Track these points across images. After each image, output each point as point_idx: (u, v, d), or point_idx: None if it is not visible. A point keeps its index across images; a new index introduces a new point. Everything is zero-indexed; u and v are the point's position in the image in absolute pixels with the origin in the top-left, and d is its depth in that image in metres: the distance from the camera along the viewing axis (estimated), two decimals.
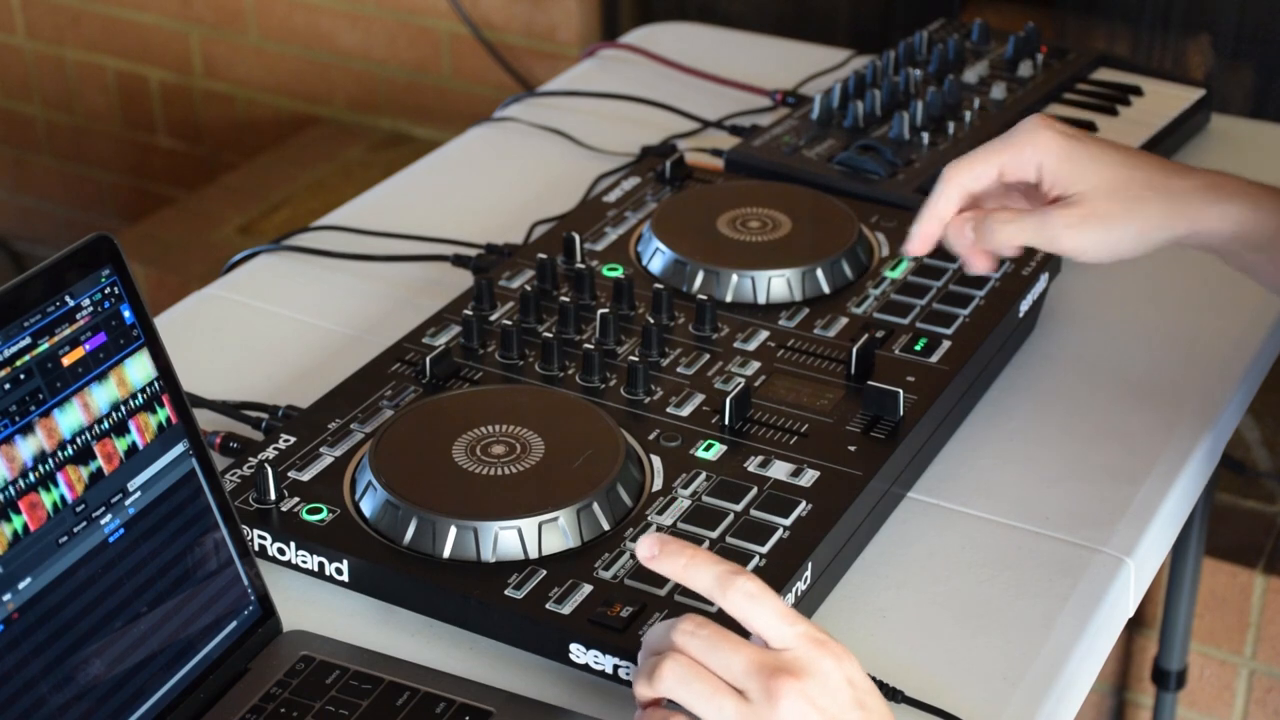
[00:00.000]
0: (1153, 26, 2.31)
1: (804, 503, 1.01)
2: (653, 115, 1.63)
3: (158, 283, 2.58)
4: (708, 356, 1.15)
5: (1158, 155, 1.06)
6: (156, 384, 0.90)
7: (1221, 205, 1.03)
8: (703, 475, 1.04)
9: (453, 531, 0.97)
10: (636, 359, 1.13)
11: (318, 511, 1.01)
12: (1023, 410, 1.20)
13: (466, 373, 1.14)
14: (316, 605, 1.00)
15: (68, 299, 0.85)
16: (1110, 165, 1.03)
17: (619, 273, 1.25)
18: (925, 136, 1.45)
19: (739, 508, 1.01)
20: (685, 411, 1.10)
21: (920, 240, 1.08)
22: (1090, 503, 1.11)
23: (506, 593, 0.95)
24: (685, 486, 1.03)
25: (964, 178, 1.06)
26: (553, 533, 0.98)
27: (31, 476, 0.82)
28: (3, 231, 3.43)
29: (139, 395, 0.89)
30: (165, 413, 0.90)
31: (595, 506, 0.99)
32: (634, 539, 0.98)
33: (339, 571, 0.99)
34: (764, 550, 0.97)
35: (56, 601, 0.82)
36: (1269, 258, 1.05)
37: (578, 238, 1.26)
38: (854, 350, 1.13)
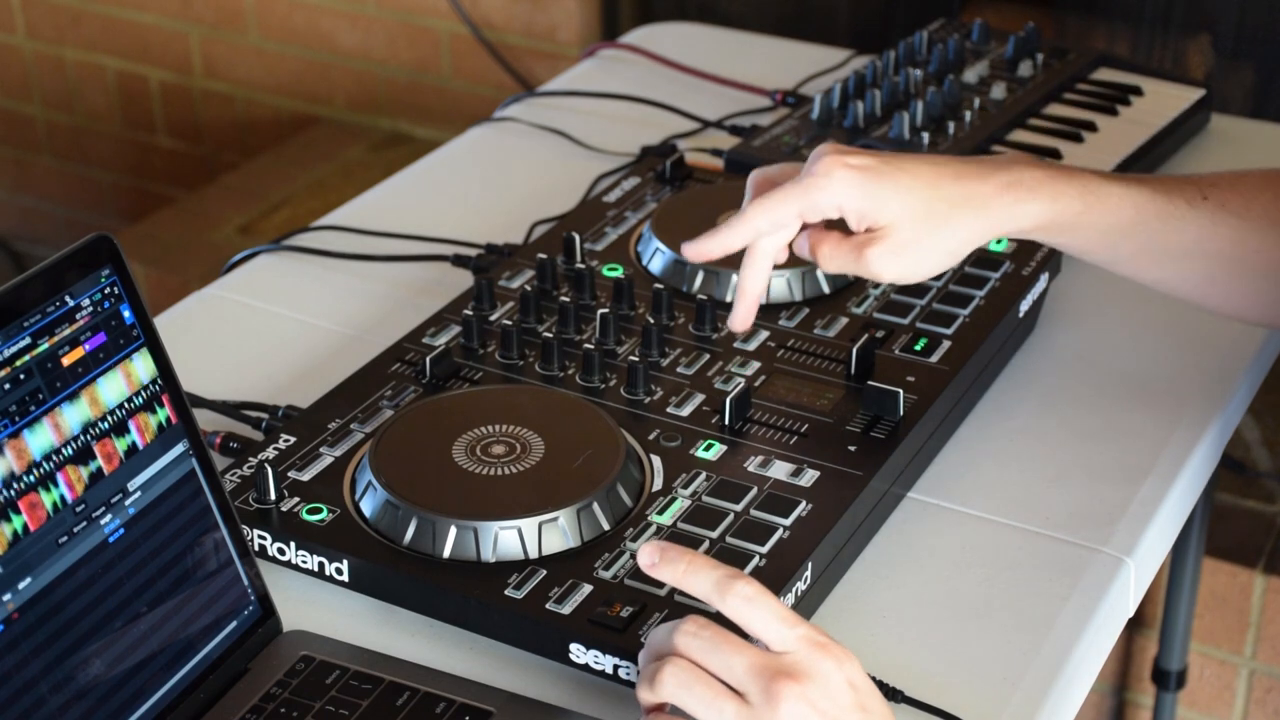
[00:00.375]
0: (1153, 26, 2.31)
1: (804, 503, 1.01)
2: (653, 115, 1.63)
3: (158, 283, 2.58)
4: (708, 356, 1.16)
5: (954, 159, 1.07)
6: (156, 384, 0.90)
7: (1023, 205, 1.05)
8: (703, 475, 1.04)
9: (453, 531, 0.97)
10: (636, 359, 1.13)
11: (318, 511, 1.01)
12: (1023, 410, 1.20)
13: (466, 373, 1.14)
14: (316, 605, 1.00)
15: (68, 299, 0.85)
16: (910, 190, 1.04)
17: (619, 273, 1.25)
18: (925, 136, 1.45)
19: (739, 508, 1.01)
20: (685, 411, 1.10)
21: (698, 252, 1.07)
22: (1090, 503, 1.11)
23: (506, 593, 0.95)
24: (685, 486, 1.03)
25: (761, 222, 1.05)
26: (553, 533, 0.98)
27: (31, 476, 0.82)
28: (3, 231, 3.43)
29: (139, 395, 0.89)
30: (165, 413, 0.90)
31: (595, 506, 0.99)
32: (634, 539, 0.99)
33: (339, 571, 0.99)
34: (764, 550, 0.97)
35: (56, 601, 0.82)
36: (1071, 238, 1.08)
37: (578, 238, 1.26)
38: (854, 350, 1.13)
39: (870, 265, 1.04)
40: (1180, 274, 1.10)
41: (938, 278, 1.23)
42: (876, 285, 1.23)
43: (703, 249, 1.07)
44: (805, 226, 1.07)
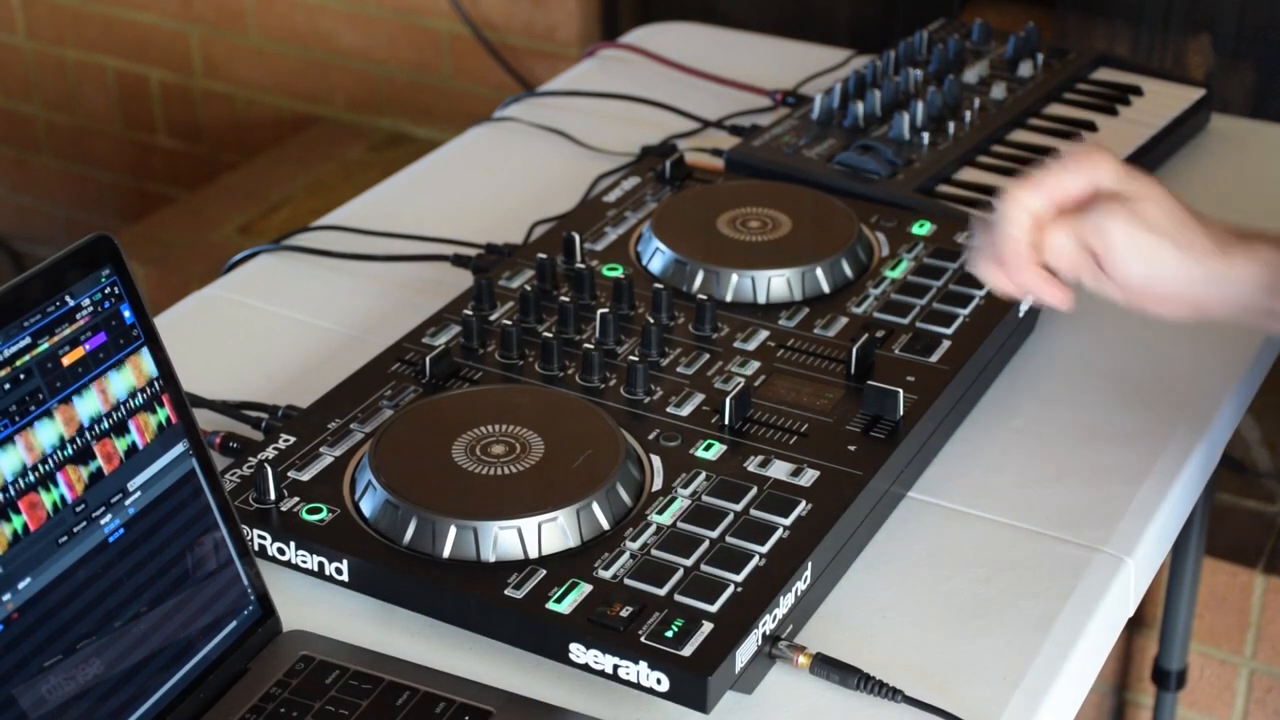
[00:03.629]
0: (1153, 26, 2.31)
1: (804, 503, 1.01)
2: (653, 115, 1.63)
3: (158, 283, 2.58)
4: (708, 356, 1.15)
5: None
6: (156, 384, 0.90)
7: (1253, 252, 1.01)
8: (703, 475, 1.04)
9: (453, 531, 0.97)
10: (636, 359, 1.13)
11: (318, 511, 1.01)
12: (1022, 410, 1.20)
13: (466, 373, 1.14)
14: (316, 605, 1.00)
15: (68, 299, 0.85)
16: (1160, 188, 1.03)
17: (619, 273, 1.25)
18: (925, 136, 1.45)
19: (739, 507, 1.01)
20: (685, 411, 1.10)
21: (1000, 282, 1.05)
22: (1090, 503, 1.11)
23: (506, 592, 0.95)
24: (685, 486, 1.03)
25: (1026, 193, 1.04)
26: (553, 532, 0.98)
27: (31, 476, 0.82)
28: (3, 231, 3.43)
29: (139, 395, 0.89)
30: (165, 413, 0.90)
31: (595, 506, 0.99)
32: (634, 539, 0.98)
33: (339, 571, 0.99)
34: (764, 550, 0.97)
35: (56, 601, 0.82)
36: None
37: (578, 238, 1.26)
38: (854, 350, 1.13)
39: (1103, 223, 1.01)
40: None
41: (937, 275, 1.23)
42: (877, 285, 1.23)
43: (996, 272, 1.05)
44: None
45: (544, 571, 0.96)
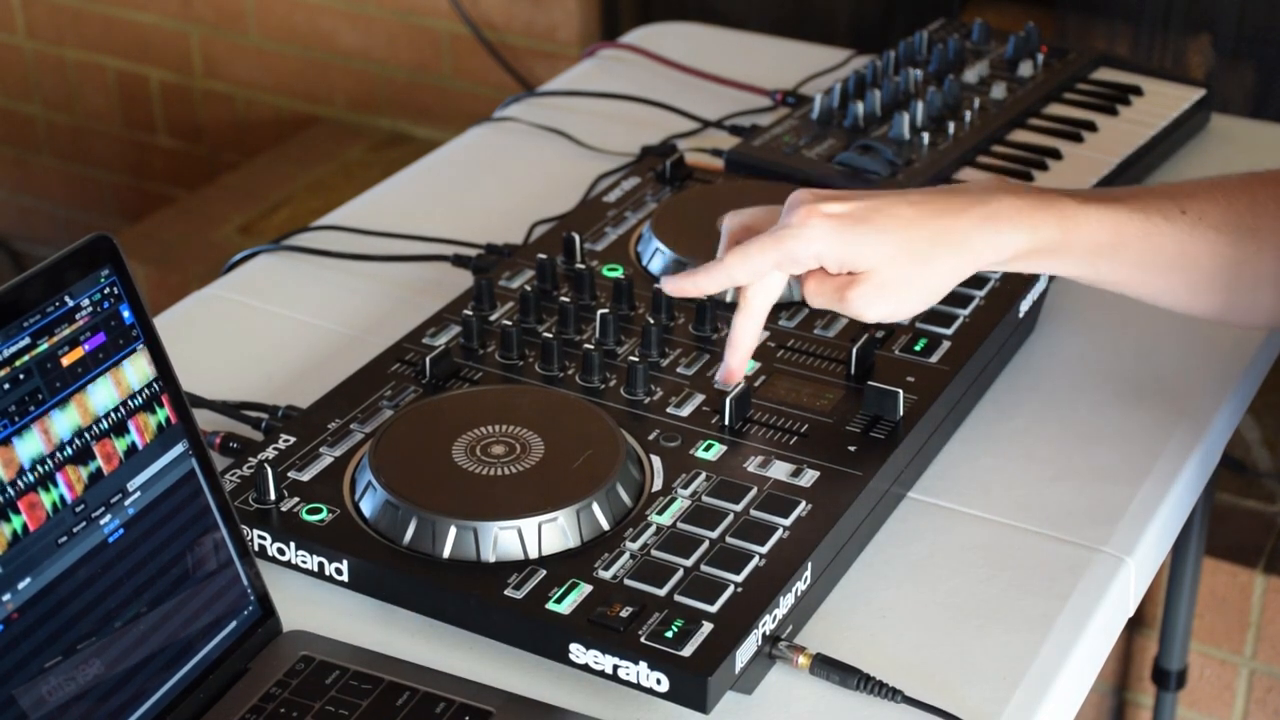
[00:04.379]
0: (1153, 26, 2.31)
1: (804, 503, 1.01)
2: (653, 115, 1.63)
3: (158, 283, 2.58)
4: (708, 356, 1.15)
5: (933, 193, 1.06)
6: (156, 384, 0.90)
7: (1002, 236, 1.05)
8: (703, 475, 1.04)
9: (453, 531, 0.97)
10: (636, 359, 1.13)
11: (318, 511, 1.01)
12: (1023, 410, 1.20)
13: (466, 373, 1.14)
14: (316, 605, 1.00)
15: (67, 299, 0.85)
16: (888, 233, 1.03)
17: (619, 273, 1.25)
18: (925, 136, 1.45)
19: (739, 508, 1.01)
20: (685, 411, 1.10)
21: (675, 288, 1.08)
22: (1090, 503, 1.11)
23: (506, 593, 0.95)
24: (685, 486, 1.03)
25: (738, 273, 1.06)
26: (553, 533, 0.98)
27: (31, 476, 0.82)
28: (3, 231, 3.43)
29: (138, 395, 0.89)
30: (165, 413, 0.90)
31: (595, 506, 0.99)
32: (634, 539, 0.98)
33: (339, 571, 0.99)
34: (764, 550, 0.97)
35: (56, 602, 0.82)
36: (1056, 262, 1.08)
37: (578, 238, 1.26)
38: (854, 350, 1.13)
39: (854, 307, 1.05)
40: (1165, 287, 1.10)
41: None
42: None
43: (680, 286, 1.08)
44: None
45: (544, 572, 0.96)
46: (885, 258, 1.03)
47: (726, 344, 1.09)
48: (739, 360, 1.09)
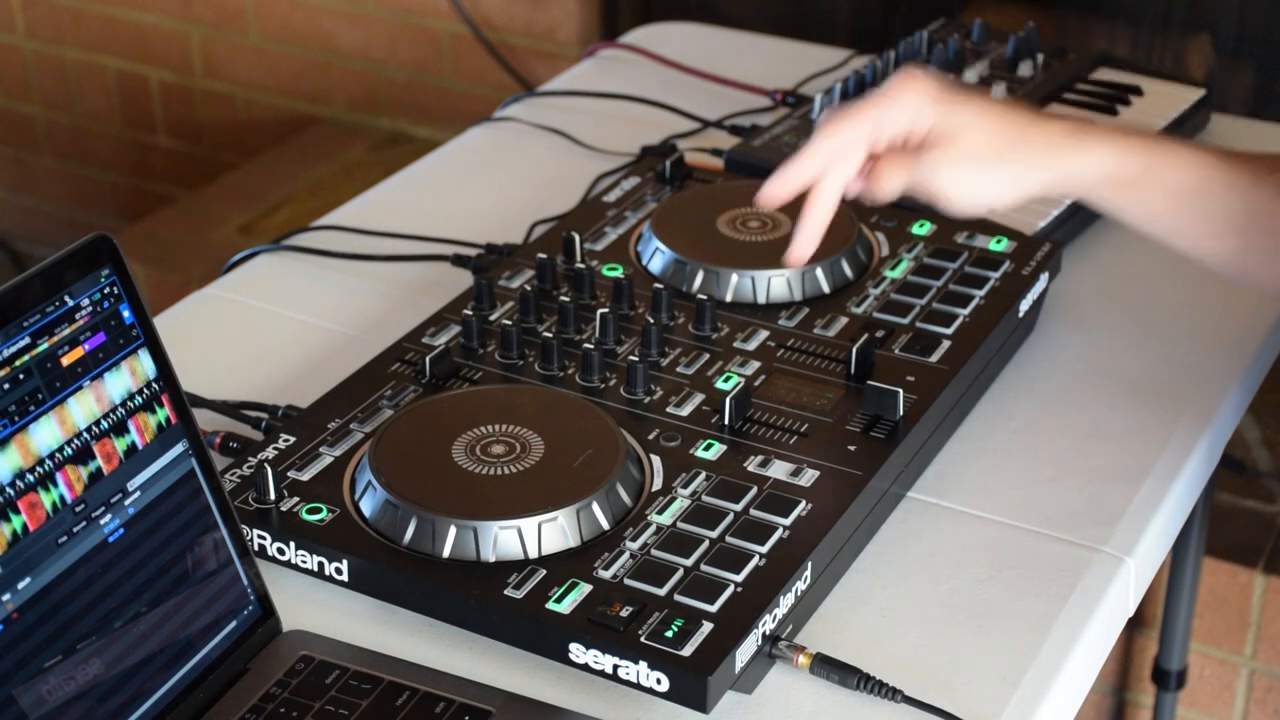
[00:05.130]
0: (1153, 26, 2.31)
1: (804, 503, 1.01)
2: (653, 115, 1.63)
3: (158, 283, 2.58)
4: (708, 356, 1.15)
5: (1026, 102, 1.06)
6: (156, 384, 0.90)
7: (1090, 150, 1.05)
8: (703, 475, 1.04)
9: (452, 531, 0.97)
10: (636, 359, 1.13)
11: (317, 511, 1.01)
12: (1023, 410, 1.20)
13: (466, 373, 1.14)
14: (316, 605, 1.00)
15: (67, 299, 0.85)
16: (984, 107, 1.04)
17: (619, 273, 1.25)
18: None
19: (739, 507, 1.01)
20: (685, 411, 1.10)
21: (772, 193, 1.07)
22: (1090, 503, 1.11)
23: (506, 592, 0.95)
24: (685, 486, 1.03)
25: (834, 143, 1.04)
26: (552, 532, 0.98)
27: (31, 476, 0.82)
28: (3, 231, 3.43)
29: (138, 395, 0.89)
30: (165, 413, 0.90)
31: (595, 506, 0.99)
32: (634, 539, 0.98)
33: (339, 571, 0.99)
34: (764, 550, 0.97)
35: (56, 601, 0.82)
36: (1137, 197, 1.07)
37: (578, 238, 1.26)
38: (854, 350, 1.13)
39: (932, 167, 1.03)
40: (1238, 248, 1.08)
41: (937, 276, 1.23)
42: (877, 284, 1.23)
43: (778, 188, 1.06)
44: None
45: (544, 571, 0.96)
46: (977, 125, 1.03)
47: (798, 222, 1.07)
48: (809, 237, 1.07)
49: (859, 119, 1.04)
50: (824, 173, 1.06)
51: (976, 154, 1.03)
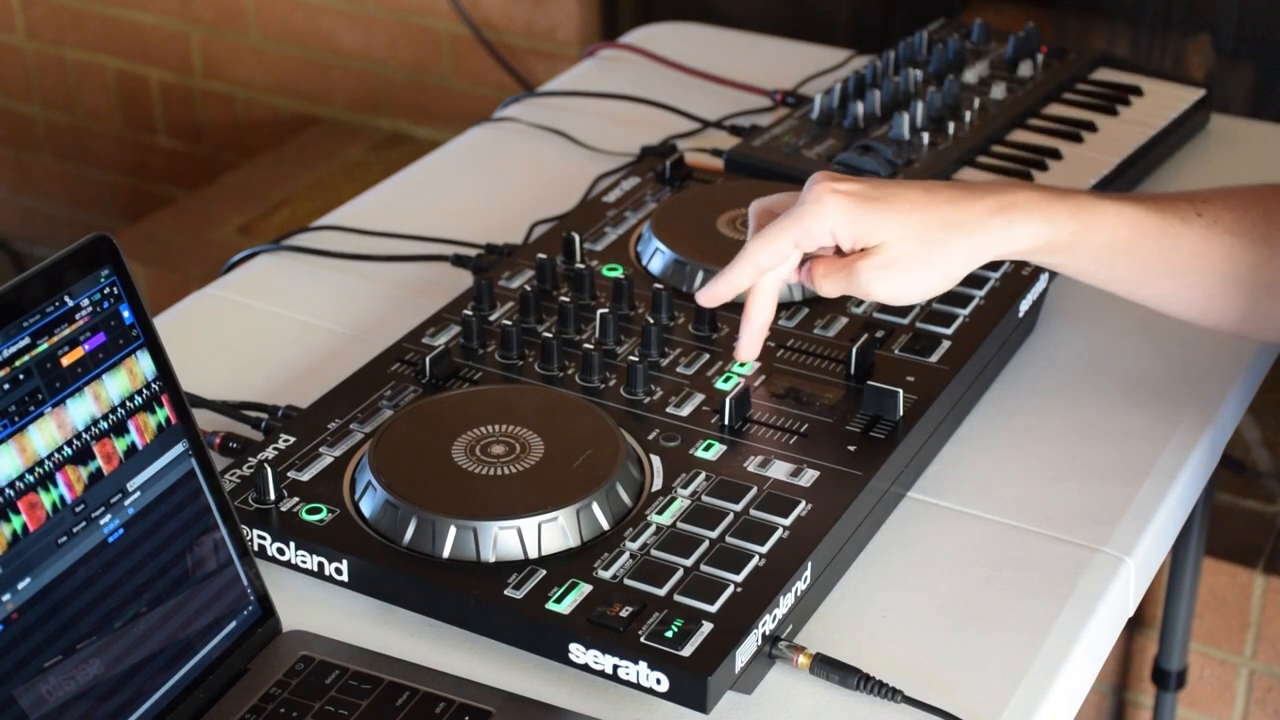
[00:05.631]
0: (1153, 26, 2.31)
1: (804, 503, 1.01)
2: (653, 115, 1.63)
3: (158, 283, 2.58)
4: (708, 356, 1.15)
5: (947, 183, 1.08)
6: (156, 384, 0.90)
7: (1017, 226, 1.06)
8: (702, 475, 1.04)
9: (452, 531, 0.97)
10: (636, 359, 1.13)
11: (317, 511, 1.01)
12: (1022, 410, 1.20)
13: (466, 373, 1.14)
14: (316, 605, 1.00)
15: (67, 299, 0.85)
16: (902, 213, 1.05)
17: (619, 273, 1.25)
18: (925, 136, 1.45)
19: (739, 508, 1.01)
20: (685, 411, 1.10)
21: (710, 296, 1.10)
22: (1090, 503, 1.11)
23: (506, 593, 0.95)
24: (685, 486, 1.03)
25: (761, 257, 1.07)
26: (552, 532, 0.98)
27: (31, 477, 0.82)
28: (3, 231, 3.43)
29: (138, 395, 0.89)
30: (165, 413, 0.90)
31: (595, 506, 0.99)
32: (634, 539, 0.98)
33: (339, 571, 0.99)
34: (764, 550, 0.97)
35: (56, 601, 0.82)
36: (1069, 258, 1.08)
37: (577, 238, 1.26)
38: (854, 350, 1.13)
39: (862, 281, 1.05)
40: (1176, 291, 1.11)
41: None
42: None
43: (714, 293, 1.10)
44: (806, 258, 1.08)
45: (544, 571, 0.96)
46: (897, 234, 1.04)
47: (741, 322, 1.10)
48: (753, 337, 1.10)
49: (782, 235, 1.06)
50: (757, 283, 1.09)
51: (903, 260, 1.05)
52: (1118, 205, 1.08)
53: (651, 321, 1.16)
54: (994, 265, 1.24)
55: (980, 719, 0.94)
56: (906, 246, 1.04)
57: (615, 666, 0.92)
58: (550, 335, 1.15)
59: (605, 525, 0.99)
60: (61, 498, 0.84)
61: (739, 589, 0.95)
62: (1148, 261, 1.09)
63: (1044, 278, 1.25)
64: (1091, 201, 1.07)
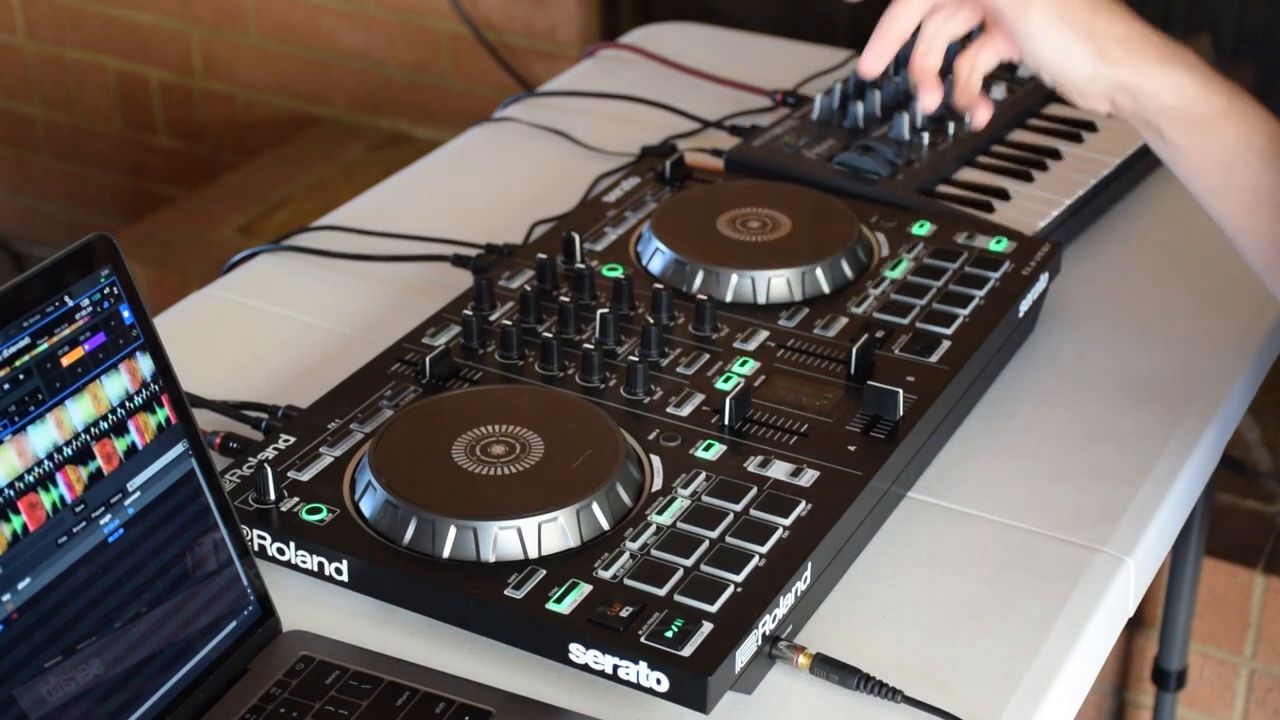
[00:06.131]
0: (1152, 26, 2.31)
1: (804, 503, 1.01)
2: (653, 115, 1.63)
3: (158, 283, 2.58)
4: (708, 356, 1.15)
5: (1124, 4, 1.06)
6: (156, 384, 0.90)
7: (1172, 72, 1.03)
8: (703, 475, 1.04)
9: (452, 531, 0.97)
10: (636, 359, 1.13)
11: (317, 511, 1.01)
12: (1023, 410, 1.20)
13: (466, 373, 1.14)
14: (316, 605, 1.00)
15: (67, 299, 0.85)
16: None
17: (619, 273, 1.25)
18: (925, 137, 1.45)
19: (739, 508, 1.01)
20: (685, 411, 1.10)
21: (875, 55, 1.08)
22: (1090, 503, 1.11)
23: (506, 593, 0.95)
24: (685, 486, 1.03)
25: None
26: (552, 532, 0.98)
27: (31, 477, 0.82)
28: (3, 231, 3.43)
29: (138, 395, 0.89)
30: (165, 413, 0.90)
31: (595, 506, 0.99)
32: (634, 539, 0.98)
33: (339, 571, 0.99)
34: (764, 550, 0.97)
35: (56, 602, 0.82)
36: (1201, 140, 1.05)
37: (578, 238, 1.26)
38: (854, 350, 1.13)
39: (1024, 10, 1.03)
40: (1274, 231, 1.05)
41: (937, 276, 1.23)
42: (877, 285, 1.23)
43: (878, 50, 1.07)
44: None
45: (544, 571, 0.96)
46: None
47: (874, 32, 1.08)
48: (880, 50, 1.08)
49: None
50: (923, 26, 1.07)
51: (1072, 18, 1.02)
52: (1268, 114, 1.03)
53: (651, 321, 1.16)
54: (994, 265, 1.24)
55: (980, 719, 0.94)
56: (1083, 5, 1.02)
57: (615, 666, 0.92)
58: (550, 335, 1.15)
59: (605, 525, 0.99)
60: (61, 498, 0.84)
61: (739, 589, 0.95)
62: (1267, 185, 1.03)
63: (1044, 278, 1.25)
64: (1244, 96, 1.04)
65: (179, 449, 0.91)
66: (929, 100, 1.12)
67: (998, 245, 1.27)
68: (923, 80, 1.10)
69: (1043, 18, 1.03)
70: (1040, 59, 1.05)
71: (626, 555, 0.97)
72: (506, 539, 0.97)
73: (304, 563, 1.00)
